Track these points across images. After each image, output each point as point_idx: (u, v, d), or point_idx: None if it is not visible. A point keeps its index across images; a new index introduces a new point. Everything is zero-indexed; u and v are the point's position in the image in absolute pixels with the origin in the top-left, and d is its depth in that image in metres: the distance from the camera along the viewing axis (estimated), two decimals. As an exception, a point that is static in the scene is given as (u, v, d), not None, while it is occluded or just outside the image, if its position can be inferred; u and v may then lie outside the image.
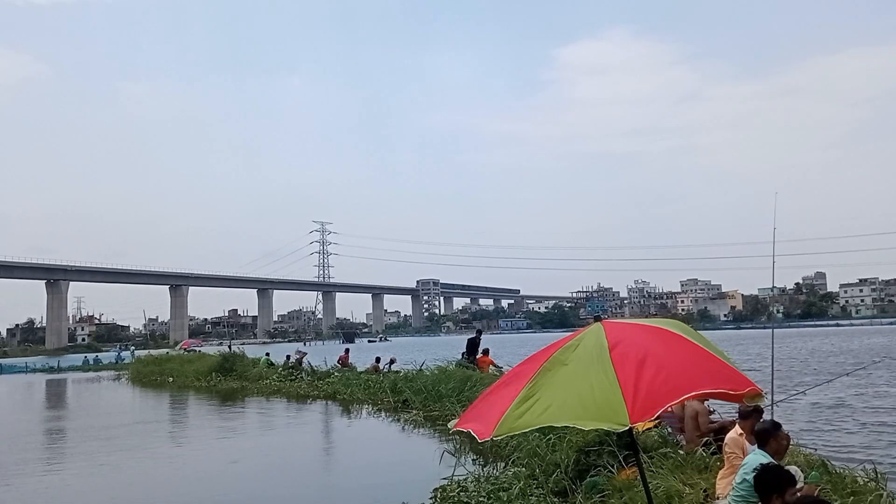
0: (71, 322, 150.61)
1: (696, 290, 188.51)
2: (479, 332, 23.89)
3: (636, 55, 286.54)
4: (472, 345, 21.60)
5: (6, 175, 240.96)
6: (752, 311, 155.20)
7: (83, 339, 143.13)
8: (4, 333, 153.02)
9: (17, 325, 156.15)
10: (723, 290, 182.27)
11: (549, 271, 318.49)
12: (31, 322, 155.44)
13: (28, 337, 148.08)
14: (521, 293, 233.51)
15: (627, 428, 3.36)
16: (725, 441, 6.58)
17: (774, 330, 12.46)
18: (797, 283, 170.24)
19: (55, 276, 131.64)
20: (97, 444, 15.63)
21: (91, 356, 65.88)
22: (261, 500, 9.89)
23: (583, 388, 3.55)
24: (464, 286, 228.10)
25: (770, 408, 8.04)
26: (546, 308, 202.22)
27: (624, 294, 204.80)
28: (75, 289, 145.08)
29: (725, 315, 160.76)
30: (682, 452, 7.97)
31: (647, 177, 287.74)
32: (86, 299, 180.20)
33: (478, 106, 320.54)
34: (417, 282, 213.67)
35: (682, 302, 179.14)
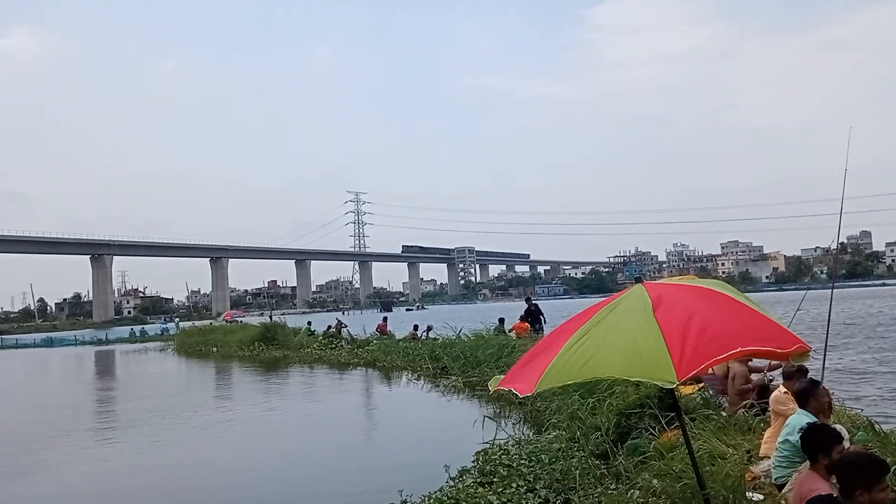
0: (116, 295, 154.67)
1: (736, 253, 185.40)
2: (529, 299, 23.36)
3: (670, 12, 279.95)
4: (536, 313, 21.22)
5: (47, 154, 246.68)
6: (795, 273, 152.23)
7: (129, 312, 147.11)
8: (53, 308, 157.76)
9: (64, 300, 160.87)
10: (764, 252, 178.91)
11: (585, 236, 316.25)
12: (77, 296, 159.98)
13: (76, 311, 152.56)
14: (557, 259, 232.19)
15: (674, 385, 3.33)
16: (771, 400, 6.53)
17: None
18: (841, 243, 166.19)
19: (99, 251, 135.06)
20: (164, 413, 16.13)
21: (137, 328, 67.69)
22: (310, 466, 10.14)
23: (627, 345, 3.51)
24: (498, 253, 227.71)
25: (821, 373, 7.89)
26: (583, 273, 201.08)
27: (662, 258, 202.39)
28: (119, 263, 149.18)
29: (767, 277, 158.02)
30: (724, 414, 7.93)
31: (684, 137, 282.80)
32: (129, 273, 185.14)
33: (507, 69, 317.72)
34: (453, 249, 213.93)
35: (723, 265, 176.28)
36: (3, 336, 78.33)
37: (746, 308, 3.79)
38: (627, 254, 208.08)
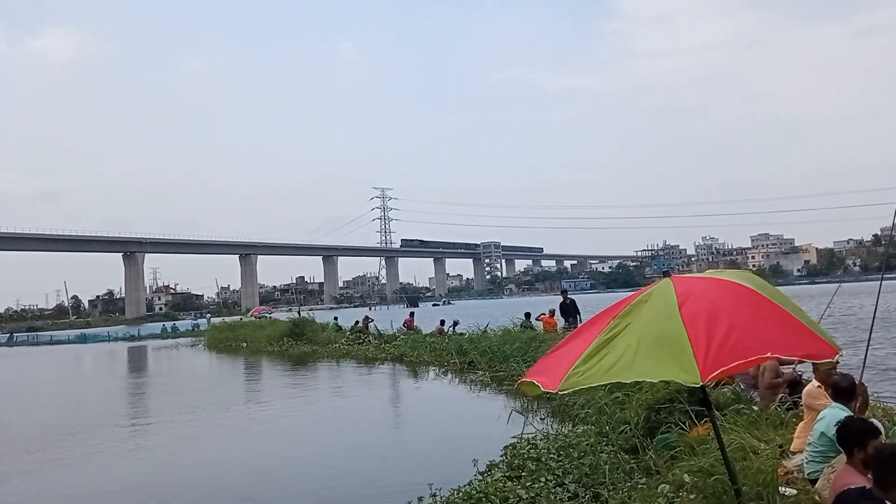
0: (148, 292, 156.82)
1: (767, 246, 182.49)
2: (565, 292, 22.58)
3: (701, 1, 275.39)
4: (572, 307, 20.48)
5: (78, 153, 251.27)
6: (828, 266, 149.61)
7: (160, 309, 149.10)
8: (87, 305, 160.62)
9: (97, 297, 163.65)
10: (796, 245, 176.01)
11: (612, 230, 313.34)
12: (110, 293, 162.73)
13: (108, 307, 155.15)
14: (585, 254, 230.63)
15: (698, 386, 3.29)
16: (804, 394, 6.44)
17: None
18: (875, 235, 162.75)
19: (131, 249, 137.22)
20: (197, 409, 16.38)
21: (168, 324, 68.63)
22: (340, 459, 10.23)
23: (651, 345, 3.48)
24: (523, 248, 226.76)
25: (862, 367, 7.73)
26: (610, 268, 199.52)
27: (691, 251, 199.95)
28: (150, 260, 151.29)
29: (799, 270, 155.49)
30: (755, 409, 7.84)
31: (715, 129, 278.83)
32: (161, 270, 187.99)
33: (535, 63, 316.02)
34: (478, 244, 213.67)
35: (753, 258, 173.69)
36: (38, 333, 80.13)
37: (777, 308, 3.69)
38: (655, 247, 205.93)
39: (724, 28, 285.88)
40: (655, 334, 3.52)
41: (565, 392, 3.67)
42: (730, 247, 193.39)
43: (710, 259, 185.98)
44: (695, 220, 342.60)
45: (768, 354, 3.48)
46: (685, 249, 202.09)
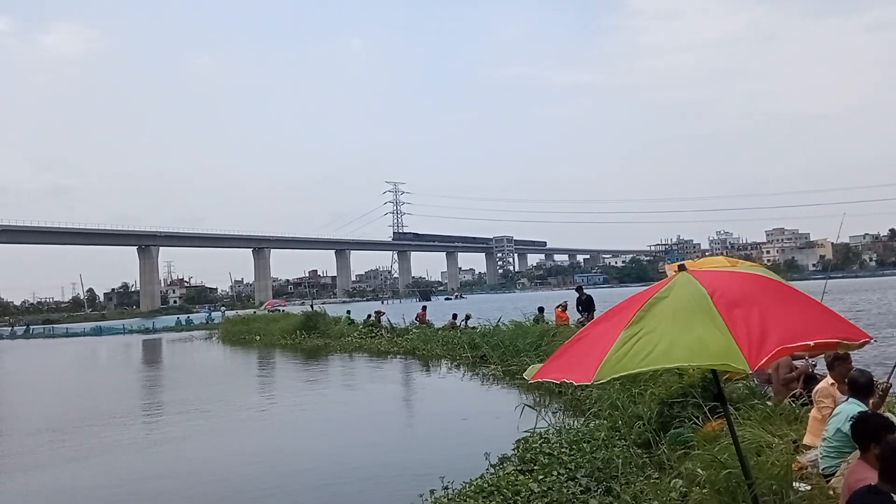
0: (163, 285, 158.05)
1: (782, 240, 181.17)
2: (581, 288, 22.30)
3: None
4: (588, 302, 20.27)
5: (92, 148, 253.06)
6: (843, 260, 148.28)
7: (175, 302, 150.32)
8: (102, 297, 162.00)
9: (113, 290, 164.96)
10: (811, 240, 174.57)
11: (625, 225, 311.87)
12: (125, 286, 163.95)
13: (124, 300, 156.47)
14: (597, 248, 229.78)
15: (748, 373, 3.26)
16: (815, 390, 6.41)
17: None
18: (891, 230, 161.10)
19: (145, 243, 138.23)
20: (210, 401, 16.51)
21: (183, 317, 69.24)
22: (351, 452, 10.28)
23: (688, 334, 3.41)
24: (533, 242, 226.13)
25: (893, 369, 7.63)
26: (623, 262, 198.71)
27: (705, 246, 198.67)
28: (165, 254, 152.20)
29: (814, 265, 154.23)
30: (769, 404, 7.79)
31: (727, 123, 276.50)
32: (175, 263, 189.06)
33: (544, 58, 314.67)
34: (491, 239, 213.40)
35: (768, 252, 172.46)
36: (54, 325, 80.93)
37: (804, 296, 3.69)
38: (669, 242, 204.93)
39: (734, 23, 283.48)
40: (690, 324, 3.46)
41: (601, 382, 3.60)
42: (744, 241, 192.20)
43: (725, 254, 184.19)
44: (709, 214, 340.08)
45: (812, 342, 3.45)
46: (699, 244, 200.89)
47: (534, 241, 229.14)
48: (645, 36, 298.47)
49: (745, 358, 3.19)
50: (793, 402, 7.61)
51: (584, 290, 21.45)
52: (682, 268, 3.99)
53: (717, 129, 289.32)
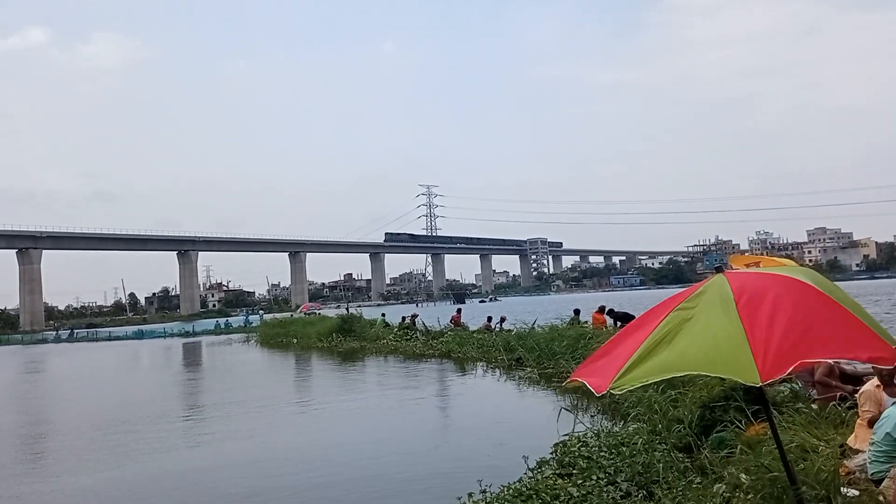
0: (202, 289, 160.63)
1: (824, 240, 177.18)
2: (612, 312, 21.14)
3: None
4: (624, 318, 19.66)
5: (133, 155, 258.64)
6: (888, 260, 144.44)
7: (214, 305, 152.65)
8: (143, 301, 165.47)
9: (153, 294, 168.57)
10: (854, 239, 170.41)
11: (662, 225, 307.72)
12: (165, 290, 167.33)
13: (164, 304, 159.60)
14: (634, 249, 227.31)
15: (758, 385, 3.18)
16: (859, 393, 6.27)
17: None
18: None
19: (185, 248, 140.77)
20: (251, 402, 16.74)
21: (222, 321, 70.35)
22: (388, 453, 10.33)
23: (707, 343, 3.38)
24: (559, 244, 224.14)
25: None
26: (660, 264, 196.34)
27: (745, 246, 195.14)
28: (204, 258, 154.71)
29: (858, 265, 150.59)
30: (814, 407, 7.62)
31: (768, 119, 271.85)
32: (214, 268, 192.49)
33: (579, 56, 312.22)
34: (525, 241, 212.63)
35: (810, 252, 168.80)
36: (97, 329, 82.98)
37: (838, 307, 3.50)
38: (707, 243, 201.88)
39: (776, 16, 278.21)
40: (710, 333, 3.41)
41: (619, 392, 3.58)
42: (785, 241, 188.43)
43: (765, 254, 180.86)
44: (748, 214, 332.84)
45: (832, 360, 3.38)
46: (738, 244, 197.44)
47: (553, 242, 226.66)
48: (685, 31, 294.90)
49: (757, 370, 3.11)
50: (839, 405, 7.43)
51: (616, 311, 20.88)
52: (718, 270, 3.94)
53: (759, 124, 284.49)
